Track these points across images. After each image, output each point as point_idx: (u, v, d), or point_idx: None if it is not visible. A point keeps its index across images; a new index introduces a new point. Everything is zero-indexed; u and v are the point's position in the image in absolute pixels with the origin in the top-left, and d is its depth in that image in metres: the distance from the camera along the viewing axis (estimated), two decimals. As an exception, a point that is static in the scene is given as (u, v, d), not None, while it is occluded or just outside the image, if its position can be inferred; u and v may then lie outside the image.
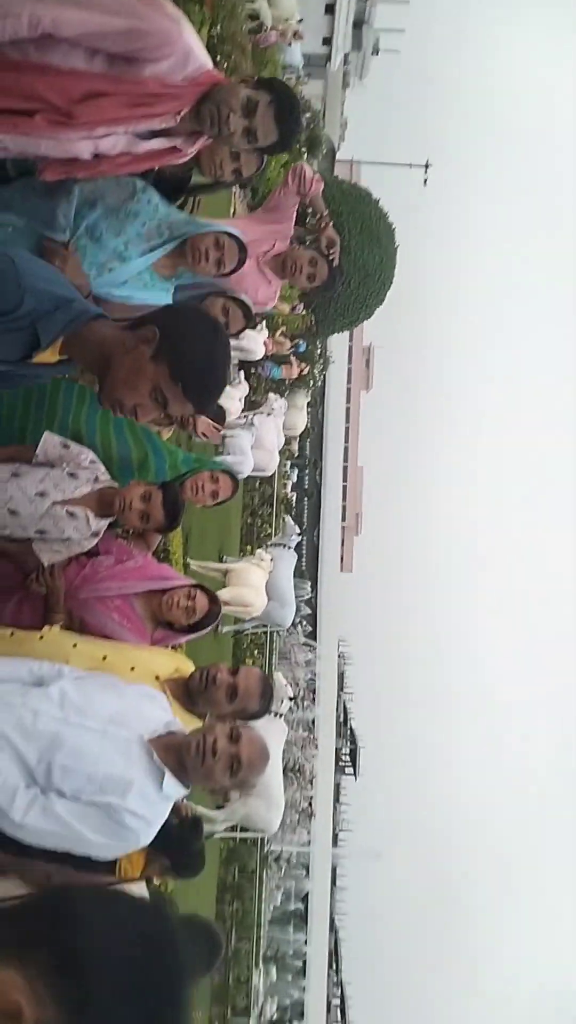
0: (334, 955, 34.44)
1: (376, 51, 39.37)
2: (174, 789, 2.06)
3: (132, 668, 2.47)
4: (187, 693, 2.50)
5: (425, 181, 33.91)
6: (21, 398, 2.85)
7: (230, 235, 2.75)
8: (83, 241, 2.55)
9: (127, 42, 2.19)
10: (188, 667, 2.64)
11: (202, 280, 2.85)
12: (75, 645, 2.49)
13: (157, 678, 2.49)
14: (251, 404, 12.23)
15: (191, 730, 2.19)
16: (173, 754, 2.08)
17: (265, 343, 11.51)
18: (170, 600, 2.82)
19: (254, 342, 10.47)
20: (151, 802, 2.02)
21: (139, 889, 2.40)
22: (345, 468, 41.31)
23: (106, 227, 2.56)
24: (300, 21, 17.05)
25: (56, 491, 2.63)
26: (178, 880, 2.64)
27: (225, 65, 8.91)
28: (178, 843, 2.48)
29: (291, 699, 13.25)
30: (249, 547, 13.51)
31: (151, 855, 2.36)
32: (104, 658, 2.47)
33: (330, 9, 32.01)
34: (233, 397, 10.26)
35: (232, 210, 9.75)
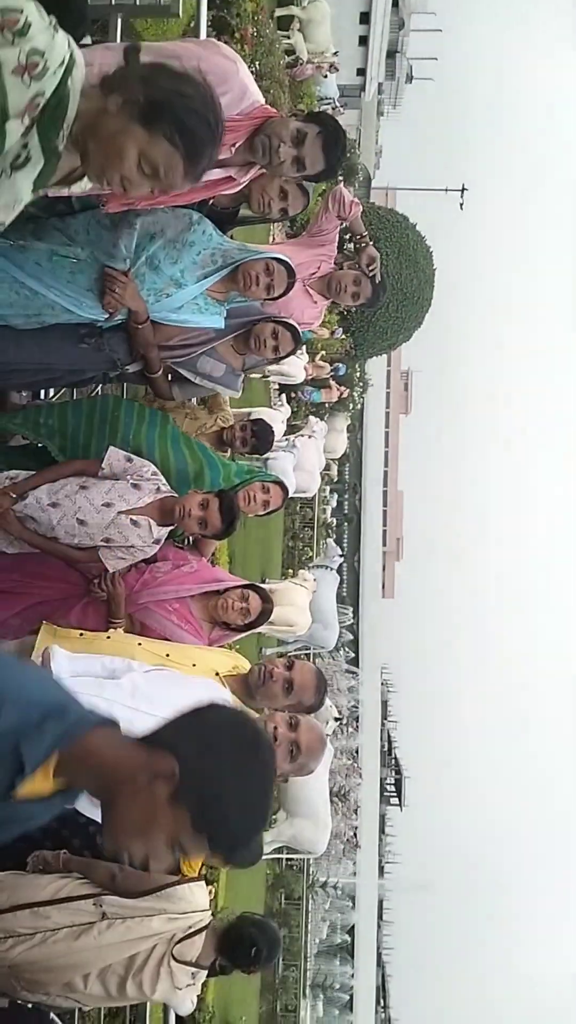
0: (381, 990, 33.83)
1: (410, 79, 40.02)
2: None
3: (193, 665, 2.60)
4: (245, 688, 2.62)
5: (462, 205, 34.22)
6: (85, 416, 3.05)
7: (279, 261, 2.92)
8: (142, 269, 2.75)
9: None
10: (245, 664, 2.77)
11: (252, 303, 3.02)
12: (139, 644, 2.64)
13: (217, 674, 2.62)
14: (292, 427, 12.44)
15: (252, 719, 2.31)
16: None
17: (305, 367, 11.71)
18: (225, 602, 2.97)
19: (294, 366, 10.68)
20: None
21: (200, 893, 2.49)
22: (385, 493, 41.30)
23: (164, 256, 2.75)
24: (335, 54, 17.47)
25: (121, 501, 2.80)
26: (235, 866, 2.72)
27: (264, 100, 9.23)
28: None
29: (337, 720, 13.25)
30: (290, 570, 13.63)
31: None
32: (167, 655, 2.61)
33: (364, 40, 32.65)
34: (276, 420, 10.46)
35: (271, 238, 10.01)
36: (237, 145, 2.58)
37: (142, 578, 2.94)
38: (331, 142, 2.65)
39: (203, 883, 2.62)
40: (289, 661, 2.67)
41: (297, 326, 3.16)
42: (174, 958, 2.41)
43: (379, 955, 33.89)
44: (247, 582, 3.10)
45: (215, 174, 2.61)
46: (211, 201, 2.88)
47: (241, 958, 2.58)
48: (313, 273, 3.53)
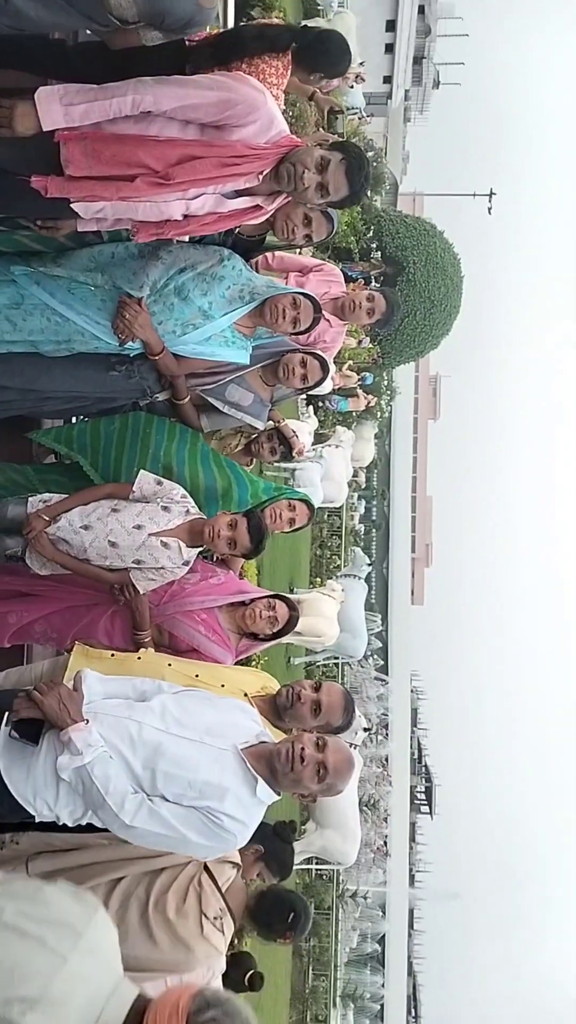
0: (413, 1000, 33.55)
1: (437, 85, 39.96)
2: (267, 795, 2.21)
3: (222, 685, 2.64)
4: (273, 709, 2.65)
5: (490, 210, 34.05)
6: (117, 432, 3.11)
7: (306, 296, 2.98)
8: (172, 299, 2.80)
9: (218, 112, 2.46)
10: (273, 685, 2.80)
11: (278, 337, 3.08)
12: (170, 664, 2.68)
13: (245, 695, 2.65)
14: (319, 437, 12.46)
15: (279, 740, 2.34)
16: (264, 762, 2.23)
17: (332, 377, 11.73)
18: (253, 612, 3.01)
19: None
20: (246, 806, 2.17)
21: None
22: (414, 498, 41.10)
23: (194, 287, 2.81)
24: (362, 64, 17.53)
25: (151, 524, 2.86)
26: (270, 877, 2.75)
27: (291, 113, 9.29)
28: (275, 835, 2.63)
29: (366, 730, 13.22)
30: (318, 579, 13.64)
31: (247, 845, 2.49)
32: (196, 676, 2.65)
33: (390, 48, 32.69)
34: (303, 431, 10.49)
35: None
36: (264, 174, 2.62)
37: (170, 589, 2.99)
38: (355, 169, 2.68)
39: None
40: (317, 683, 2.69)
41: (325, 356, 3.21)
42: (206, 871, 2.38)
43: (410, 964, 33.61)
44: (272, 592, 3.15)
45: (243, 203, 2.67)
46: (237, 229, 2.93)
47: (277, 922, 2.60)
48: (323, 294, 3.57)
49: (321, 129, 4.10)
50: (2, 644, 2.99)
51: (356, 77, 16.76)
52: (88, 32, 2.56)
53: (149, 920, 2.36)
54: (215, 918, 2.44)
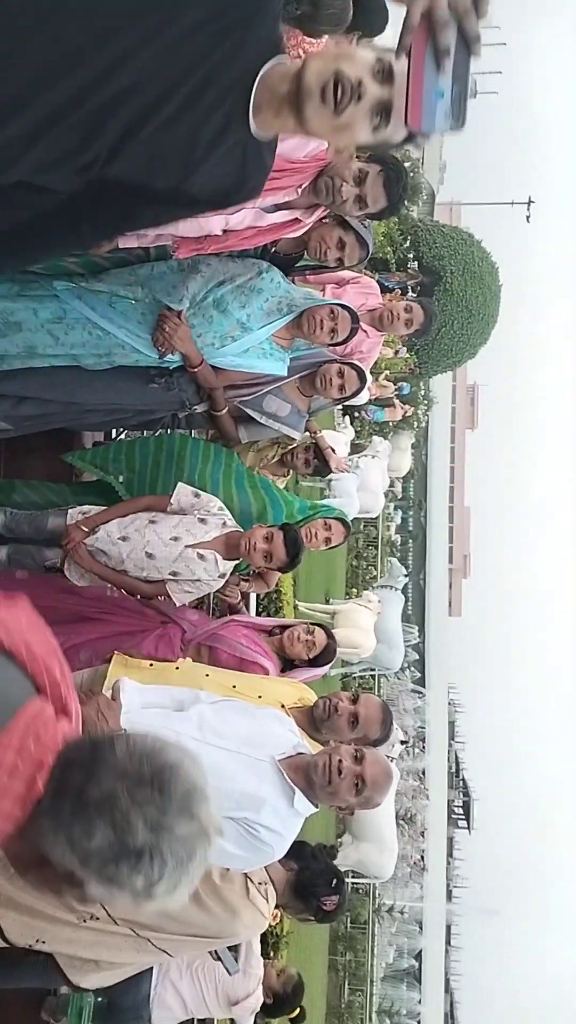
0: (450, 1018, 33.08)
1: (474, 94, 39.82)
2: (305, 807, 2.21)
3: (259, 696, 2.64)
4: (310, 721, 2.64)
5: (528, 217, 33.79)
6: (152, 454, 3.15)
7: (343, 307, 2.98)
8: (211, 312, 2.83)
9: None
10: (311, 696, 2.79)
11: (315, 348, 3.09)
12: (207, 675, 2.69)
13: (282, 706, 2.65)
14: (356, 447, 12.44)
15: (317, 752, 2.34)
16: (302, 774, 2.23)
17: (369, 387, 11.72)
18: (291, 635, 3.01)
19: (359, 387, 10.69)
20: (283, 818, 2.17)
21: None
22: (451, 509, 40.77)
23: (232, 299, 2.83)
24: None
25: (188, 535, 2.88)
26: (298, 908, 2.79)
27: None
28: (314, 858, 2.64)
29: (403, 743, 13.12)
30: (355, 589, 13.59)
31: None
32: (233, 687, 2.66)
33: (426, 60, 32.66)
34: (339, 442, 10.49)
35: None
36: (303, 187, 2.64)
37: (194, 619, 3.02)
38: (392, 180, 2.69)
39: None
40: (355, 695, 2.68)
41: (362, 366, 3.21)
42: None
43: (447, 981, 33.14)
44: (314, 621, 3.19)
45: (281, 216, 2.68)
46: (273, 248, 2.95)
47: (322, 885, 2.67)
48: (360, 306, 3.58)
49: None
50: None
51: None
52: None
53: (196, 886, 2.37)
54: (260, 883, 2.46)
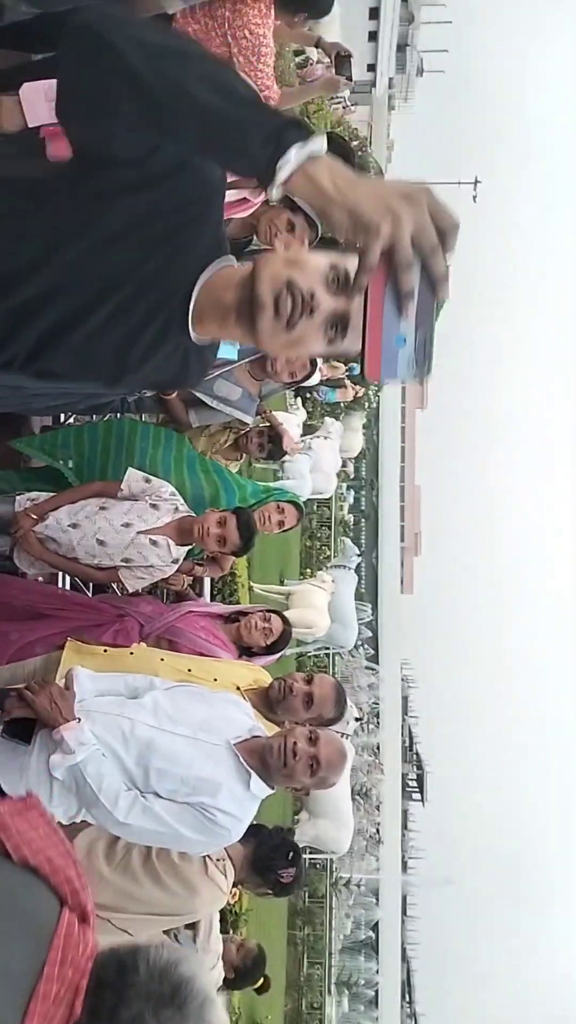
0: (407, 985, 33.86)
1: (420, 72, 39.80)
2: (260, 789, 2.23)
3: (215, 679, 2.64)
4: (266, 702, 2.66)
5: (475, 197, 34.01)
6: (101, 439, 3.10)
7: None
8: None
9: None
10: (266, 678, 2.81)
11: None
12: (162, 659, 2.68)
13: (238, 688, 2.66)
14: (308, 428, 12.44)
15: (272, 734, 2.35)
16: (257, 757, 2.25)
17: (320, 368, 11.71)
18: (248, 623, 3.01)
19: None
20: (240, 801, 2.18)
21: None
22: (402, 488, 41.19)
23: None
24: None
25: (140, 521, 2.85)
26: (260, 888, 2.83)
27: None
28: (271, 841, 2.68)
29: (357, 720, 13.29)
30: (309, 570, 13.66)
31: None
32: (189, 670, 2.65)
33: (374, 36, 32.52)
34: (291, 423, 10.48)
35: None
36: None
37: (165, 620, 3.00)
38: (340, 158, 2.68)
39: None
40: (309, 675, 2.71)
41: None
42: None
43: (404, 950, 33.91)
44: (270, 608, 3.19)
45: (230, 195, 2.65)
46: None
47: (278, 858, 2.74)
48: None
49: (331, 72, 4.04)
50: (1, 663, 2.98)
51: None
52: None
53: (154, 865, 2.39)
54: (218, 859, 2.49)
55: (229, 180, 2.61)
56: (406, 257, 1.15)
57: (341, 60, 3.60)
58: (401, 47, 35.47)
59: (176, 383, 1.61)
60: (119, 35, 1.23)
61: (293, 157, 1.17)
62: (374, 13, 31.54)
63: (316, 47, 3.42)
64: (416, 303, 1.16)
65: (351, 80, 3.57)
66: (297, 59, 13.94)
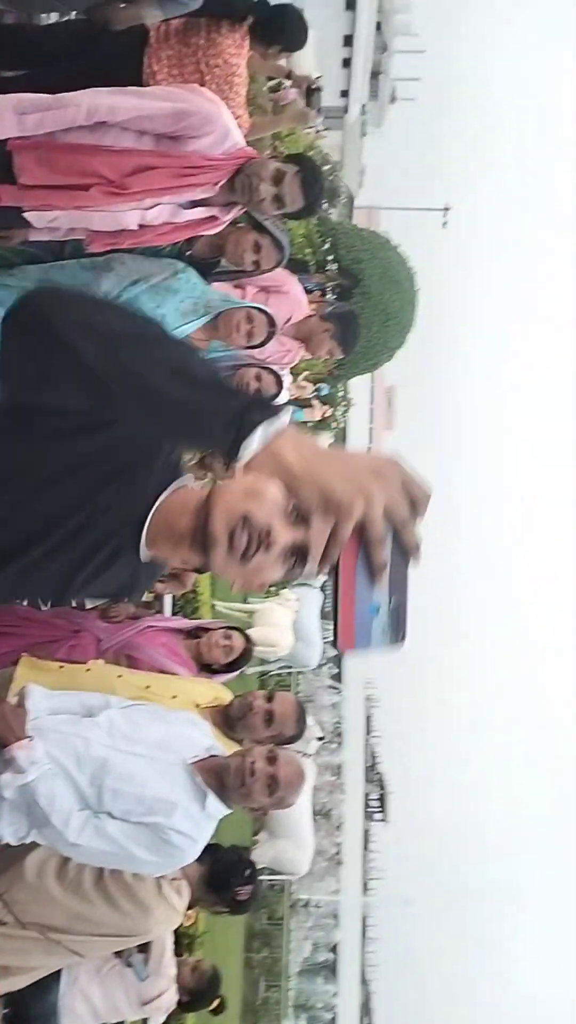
0: (365, 1008, 33.60)
1: (393, 99, 40.53)
2: (217, 809, 2.20)
3: (174, 696, 2.61)
4: (226, 720, 2.64)
5: (444, 224, 34.57)
6: None
7: (260, 310, 2.99)
8: None
9: (174, 123, 2.47)
10: (226, 696, 2.78)
11: (232, 351, 3.08)
12: (120, 676, 2.64)
13: (197, 706, 2.63)
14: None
15: (230, 753, 2.33)
16: (215, 776, 2.22)
17: (288, 388, 11.76)
18: (209, 641, 2.99)
19: (278, 386, 10.73)
20: (196, 821, 2.15)
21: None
22: (369, 508, 41.24)
23: (147, 299, 2.80)
24: (319, 77, 17.62)
25: None
26: (212, 904, 2.80)
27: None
28: (227, 859, 2.65)
29: (320, 739, 13.24)
30: (273, 587, 13.63)
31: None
32: (147, 687, 2.62)
33: (347, 63, 33.02)
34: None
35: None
36: (220, 184, 2.63)
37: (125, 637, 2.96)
38: (310, 181, 2.71)
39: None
40: (269, 693, 2.69)
41: (278, 370, 3.23)
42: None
43: (363, 973, 33.67)
44: (231, 625, 3.16)
45: (198, 213, 2.66)
46: (189, 252, 2.93)
47: (235, 875, 2.72)
48: (287, 321, 3.61)
49: (300, 102, 4.12)
50: None
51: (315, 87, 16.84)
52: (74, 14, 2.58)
53: (107, 885, 2.34)
54: (172, 879, 2.45)
55: (198, 199, 2.64)
56: (378, 534, 1.13)
57: (311, 92, 3.67)
58: (374, 74, 36.09)
59: (122, 595, 1.58)
60: (70, 326, 1.18)
61: (257, 438, 1.15)
62: (348, 40, 32.07)
63: (287, 79, 3.49)
64: (388, 571, 1.15)
65: (320, 112, 3.65)
66: (270, 83, 14.09)
